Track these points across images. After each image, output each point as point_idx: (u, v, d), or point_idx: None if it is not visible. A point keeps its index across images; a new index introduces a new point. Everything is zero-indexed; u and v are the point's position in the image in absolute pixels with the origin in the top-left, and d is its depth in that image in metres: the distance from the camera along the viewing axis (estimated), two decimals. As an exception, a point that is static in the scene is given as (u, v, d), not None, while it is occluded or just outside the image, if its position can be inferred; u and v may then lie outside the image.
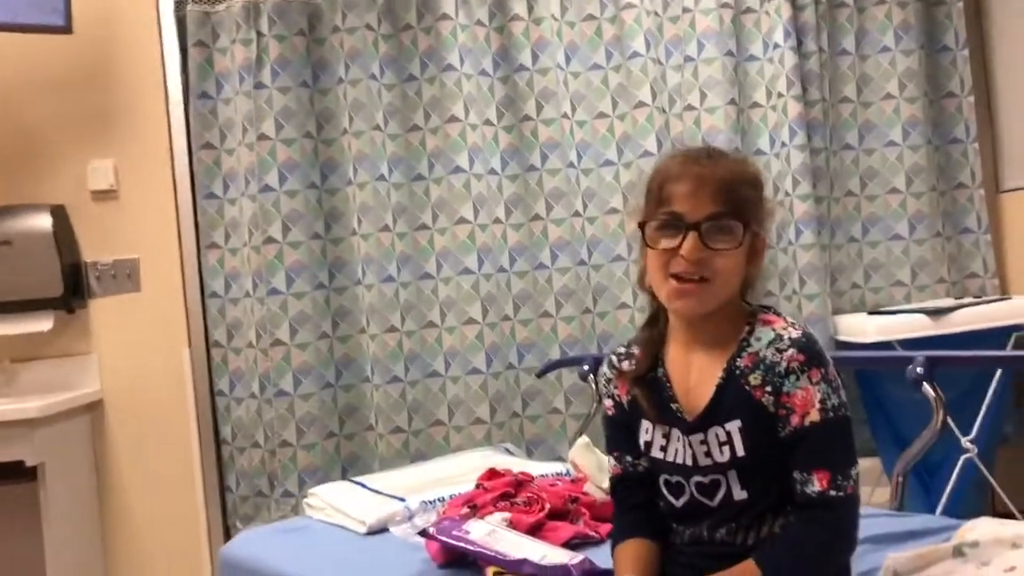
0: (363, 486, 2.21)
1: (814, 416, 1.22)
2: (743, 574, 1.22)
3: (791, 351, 1.24)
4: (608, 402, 1.43)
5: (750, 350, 1.27)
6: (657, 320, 1.38)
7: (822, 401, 1.22)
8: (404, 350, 2.85)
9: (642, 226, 1.30)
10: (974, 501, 2.80)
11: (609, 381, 1.43)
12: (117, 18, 2.86)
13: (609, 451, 1.44)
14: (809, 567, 1.22)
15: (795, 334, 1.26)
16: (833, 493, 1.21)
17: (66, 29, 2.66)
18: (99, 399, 2.86)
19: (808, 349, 1.24)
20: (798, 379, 1.23)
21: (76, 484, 2.76)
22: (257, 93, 2.79)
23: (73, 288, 2.81)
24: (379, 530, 1.98)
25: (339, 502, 2.11)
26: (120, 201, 2.88)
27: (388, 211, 2.86)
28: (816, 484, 1.21)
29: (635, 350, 1.39)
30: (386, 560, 1.82)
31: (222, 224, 2.88)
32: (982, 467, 2.68)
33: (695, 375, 1.31)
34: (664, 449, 1.32)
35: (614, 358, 1.42)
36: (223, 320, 2.87)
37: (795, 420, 1.22)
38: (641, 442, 1.36)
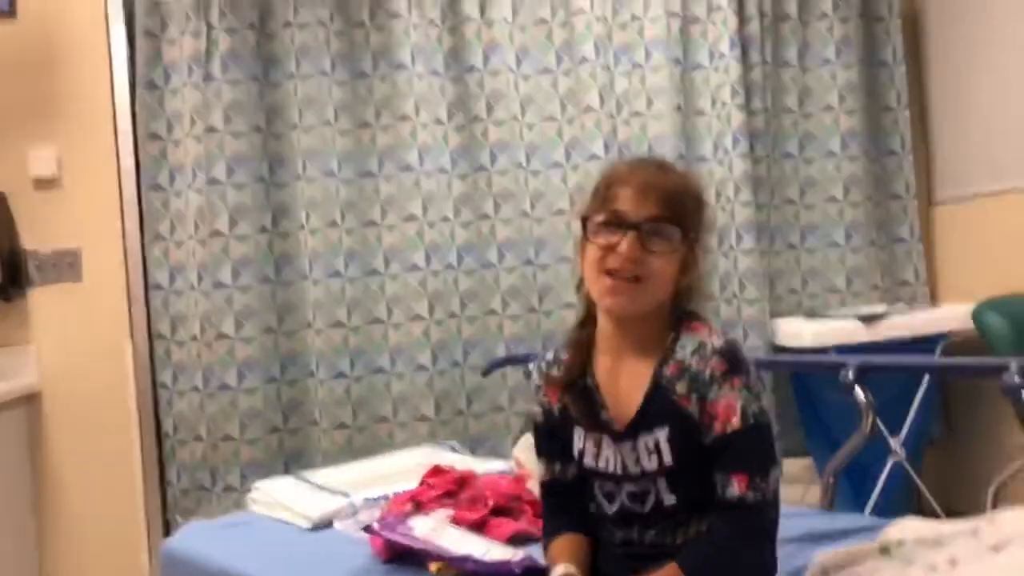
0: (307, 481, 2.22)
1: (735, 423, 1.25)
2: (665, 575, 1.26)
3: (714, 359, 1.27)
4: (537, 409, 1.45)
5: (676, 358, 1.30)
6: (585, 324, 1.40)
7: (743, 408, 1.25)
8: (350, 346, 2.86)
9: (584, 220, 1.33)
10: (901, 501, 2.91)
11: (539, 388, 1.44)
12: (63, 4, 2.81)
13: (538, 455, 1.47)
14: (729, 566, 1.26)
15: (718, 343, 1.29)
16: (751, 496, 1.24)
17: (10, 14, 2.62)
18: (37, 391, 2.81)
19: (731, 358, 1.28)
20: (720, 387, 1.26)
21: (10, 477, 2.71)
22: (206, 85, 2.77)
23: (12, 277, 2.76)
24: (323, 525, 1.99)
25: (283, 497, 2.12)
26: (63, 190, 2.84)
27: (336, 206, 2.86)
28: (735, 488, 1.25)
29: (564, 356, 1.41)
30: (330, 555, 1.84)
31: (167, 216, 2.85)
32: (910, 469, 2.79)
33: (624, 382, 1.34)
34: (596, 457, 1.35)
35: (543, 365, 1.44)
36: (167, 312, 2.84)
37: (718, 427, 1.26)
38: (575, 450, 1.38)
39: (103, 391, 2.83)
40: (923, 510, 2.80)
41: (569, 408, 1.38)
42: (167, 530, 2.78)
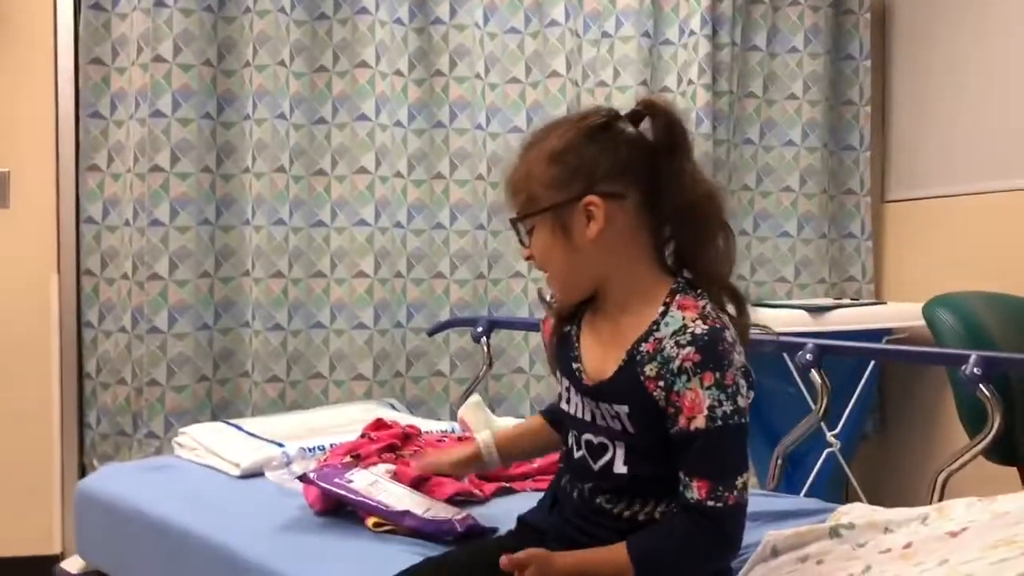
0: (239, 428, 2.13)
1: (699, 423, 1.16)
2: (612, 556, 1.20)
3: (688, 349, 1.17)
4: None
5: (656, 335, 1.21)
6: None
7: (711, 408, 1.16)
8: (289, 297, 2.75)
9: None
10: (832, 492, 2.93)
11: (544, 320, 1.43)
12: (8, -90, 2.65)
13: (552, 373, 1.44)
14: (678, 565, 1.20)
15: (700, 329, 1.18)
16: (711, 504, 1.16)
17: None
18: (-49, 319, 2.66)
19: (706, 349, 1.17)
20: (689, 380, 1.16)
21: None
22: (156, 11, 2.62)
23: (-69, 197, 2.60)
24: (253, 474, 1.91)
25: (212, 443, 2.03)
26: (-7, 108, 2.68)
27: (285, 151, 2.75)
28: (695, 492, 1.17)
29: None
30: (259, 504, 1.76)
31: (105, 146, 2.70)
32: (843, 461, 2.81)
33: (602, 348, 1.28)
34: (567, 401, 1.32)
35: (549, 297, 1.39)
36: (97, 248, 2.70)
37: (682, 422, 1.17)
38: (561, 387, 1.36)
39: (24, 325, 2.69)
40: (850, 502, 2.82)
41: (549, 351, 1.36)
42: (83, 474, 2.66)
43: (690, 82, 2.99)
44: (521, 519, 1.40)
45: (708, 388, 1.16)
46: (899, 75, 3.27)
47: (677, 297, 1.23)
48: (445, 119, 2.88)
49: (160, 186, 2.63)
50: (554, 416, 1.44)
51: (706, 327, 1.18)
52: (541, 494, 1.44)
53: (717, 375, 1.16)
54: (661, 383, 1.18)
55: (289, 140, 2.75)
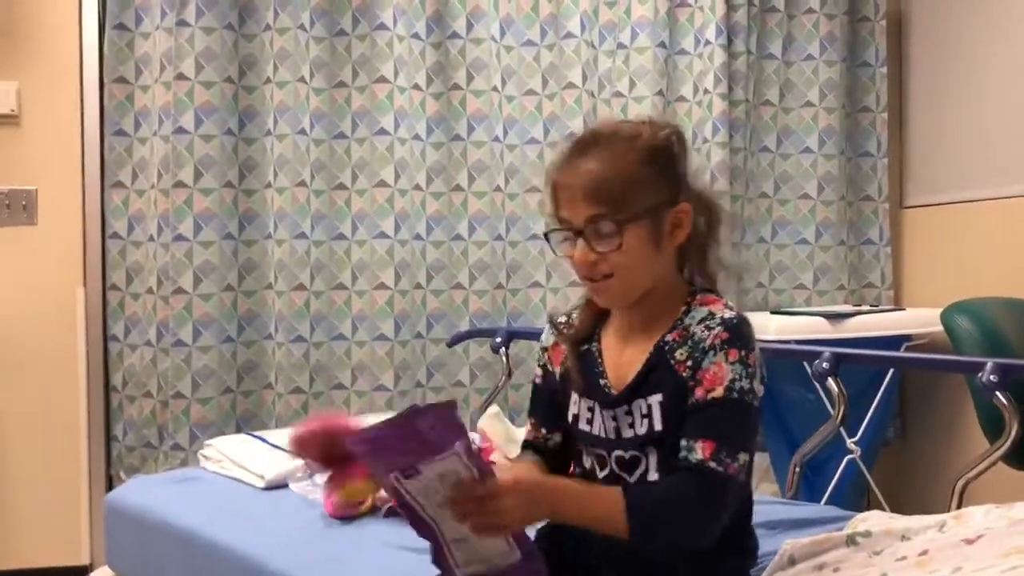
0: (263, 440, 2.16)
1: (717, 392, 1.20)
2: (607, 496, 1.21)
3: (718, 329, 1.22)
4: (538, 370, 1.43)
5: (682, 326, 1.26)
6: None
7: (731, 381, 1.20)
8: (311, 310, 2.79)
9: (547, 237, 1.30)
10: (853, 499, 2.93)
11: (545, 350, 1.42)
12: (33, -66, 2.71)
13: (529, 415, 1.45)
14: (671, 521, 1.19)
15: (728, 314, 1.24)
16: (712, 465, 1.17)
17: (-23, -61, 2.50)
18: (-18, 334, 2.71)
19: (735, 329, 1.22)
20: (715, 355, 1.21)
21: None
22: (179, 30, 2.67)
23: (-38, 215, 2.65)
24: (277, 486, 1.93)
25: (237, 455, 2.06)
26: (21, 128, 2.73)
27: (306, 166, 2.79)
28: (699, 452, 1.18)
29: (575, 319, 1.38)
30: (282, 514, 1.79)
31: (130, 163, 2.75)
32: (863, 468, 2.80)
33: (628, 353, 1.30)
34: (590, 422, 1.32)
35: (557, 323, 1.40)
36: (123, 263, 2.75)
37: (699, 393, 1.20)
38: (569, 415, 1.35)
39: (52, 339, 2.74)
40: (872, 509, 2.82)
41: (569, 371, 1.34)
42: (110, 486, 2.70)
43: (706, 91, 3.01)
44: (540, 533, 1.40)
45: (732, 363, 1.21)
46: (916, 81, 3.27)
47: (698, 296, 1.29)
48: (463, 132, 2.91)
49: (184, 202, 2.68)
50: (537, 449, 1.42)
51: (733, 313, 1.25)
52: None
53: (742, 353, 1.21)
54: (690, 363, 1.23)
55: (310, 155, 2.79)
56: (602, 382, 1.31)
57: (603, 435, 1.30)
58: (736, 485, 1.20)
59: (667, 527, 1.19)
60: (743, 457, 1.20)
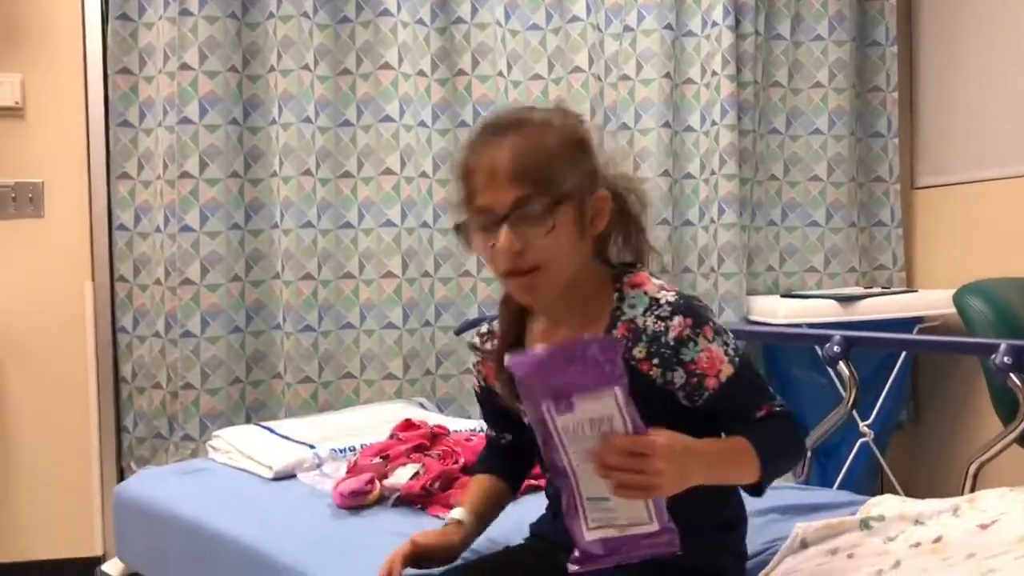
0: (271, 431, 2.15)
1: (727, 370, 1.18)
2: (740, 448, 1.17)
3: (677, 319, 1.18)
4: (476, 380, 1.40)
5: (624, 319, 1.21)
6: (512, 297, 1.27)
7: (726, 353, 1.19)
8: (319, 299, 2.78)
9: (458, 229, 1.20)
10: (866, 483, 2.91)
11: (475, 364, 1.38)
12: (34, -75, 2.69)
13: (483, 418, 1.46)
14: (784, 456, 1.24)
15: (671, 297, 1.20)
16: (778, 408, 1.22)
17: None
18: (-9, 329, 2.72)
19: (690, 310, 1.19)
20: (696, 344, 1.18)
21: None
22: (182, 20, 2.66)
23: (-31, 208, 2.65)
24: (286, 476, 1.93)
25: (245, 446, 2.05)
26: (26, 120, 2.72)
27: (312, 155, 2.77)
28: (759, 413, 1.21)
29: (495, 328, 1.32)
30: (290, 505, 1.78)
31: (135, 154, 2.75)
32: (876, 451, 2.79)
33: None
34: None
35: (477, 340, 1.36)
36: (130, 254, 2.75)
37: (711, 382, 1.18)
38: (524, 419, 1.26)
39: (61, 332, 2.74)
40: (886, 493, 2.80)
41: (501, 389, 1.29)
42: (121, 477, 2.71)
43: (714, 73, 2.97)
44: (533, 530, 1.39)
45: (712, 340, 1.19)
46: (926, 60, 3.23)
47: (624, 279, 1.24)
48: (469, 118, 2.89)
49: (190, 192, 2.67)
50: (491, 465, 1.42)
51: (673, 293, 1.21)
52: (540, 493, 1.43)
53: (711, 324, 1.20)
54: (656, 360, 1.18)
55: (315, 143, 2.78)
56: None
57: None
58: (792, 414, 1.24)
59: (783, 462, 1.24)
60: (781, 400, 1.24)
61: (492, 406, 1.38)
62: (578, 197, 1.17)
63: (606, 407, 1.01)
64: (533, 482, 1.56)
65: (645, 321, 1.19)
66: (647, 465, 1.01)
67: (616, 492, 1.02)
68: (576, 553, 1.06)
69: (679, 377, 1.19)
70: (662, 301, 1.19)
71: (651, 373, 1.19)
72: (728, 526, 1.30)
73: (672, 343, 1.18)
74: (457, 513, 1.35)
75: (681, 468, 1.05)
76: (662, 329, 1.18)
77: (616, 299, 1.22)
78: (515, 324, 1.28)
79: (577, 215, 1.17)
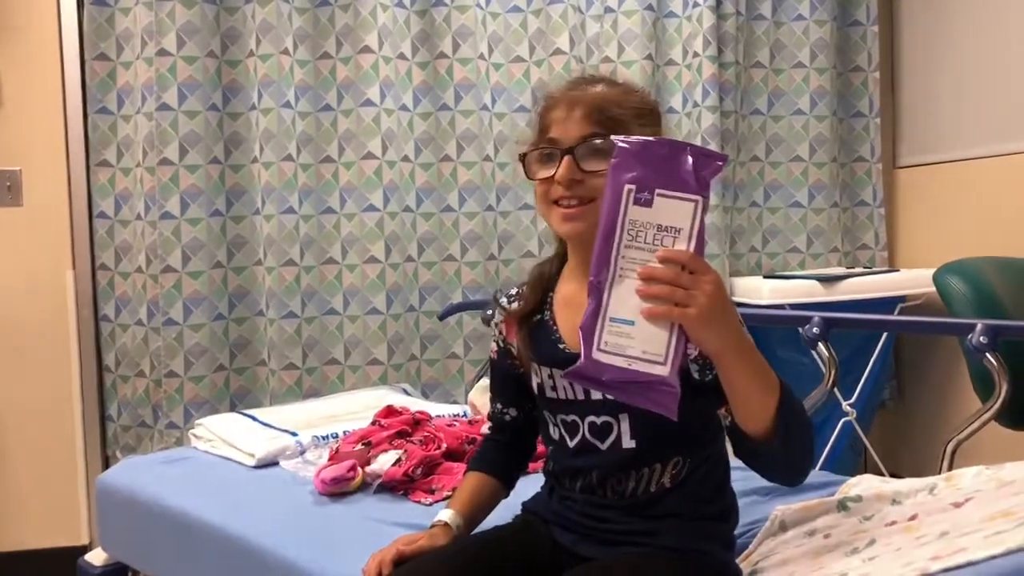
0: (253, 419, 2.15)
1: None
2: (768, 367, 1.12)
3: None
4: (493, 346, 1.43)
5: None
6: (552, 261, 1.35)
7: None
8: (301, 285, 2.77)
9: (523, 158, 1.27)
10: (849, 462, 2.93)
11: (497, 325, 1.41)
12: (8, -90, 2.66)
13: (490, 390, 1.46)
14: (802, 430, 1.15)
15: None
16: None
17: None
18: (-29, 318, 2.70)
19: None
20: None
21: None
22: (159, 5, 2.63)
23: (-54, 198, 2.63)
24: (268, 464, 1.93)
25: (228, 434, 2.05)
26: (3, 108, 2.70)
27: (292, 140, 2.76)
28: None
29: (525, 290, 1.38)
30: (272, 493, 1.78)
31: (114, 141, 2.73)
32: (859, 430, 2.80)
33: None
34: (554, 388, 1.31)
35: (504, 300, 1.40)
36: (111, 242, 2.74)
37: None
38: (534, 385, 1.34)
39: (42, 321, 2.73)
40: (869, 472, 2.82)
41: (520, 346, 1.33)
42: (106, 466, 2.71)
43: (695, 54, 2.97)
44: (525, 507, 1.41)
45: None
46: (908, 39, 3.23)
47: None
48: (450, 101, 2.88)
49: (170, 179, 2.66)
50: (486, 462, 1.43)
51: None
52: (536, 475, 1.44)
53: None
54: None
55: (296, 128, 2.76)
56: (560, 347, 1.30)
57: (571, 397, 1.28)
58: None
59: (801, 422, 1.15)
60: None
61: (505, 372, 1.40)
62: None
63: (682, 216, 0.99)
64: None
65: None
66: (697, 283, 0.99)
67: (650, 312, 0.99)
68: (577, 364, 1.03)
69: (692, 348, 1.18)
70: None
71: None
72: (722, 517, 1.31)
73: None
74: (445, 515, 1.35)
75: (723, 309, 1.02)
76: None
77: None
78: (542, 291, 1.33)
79: None
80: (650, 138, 1.02)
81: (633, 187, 1.00)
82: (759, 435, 1.12)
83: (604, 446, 1.27)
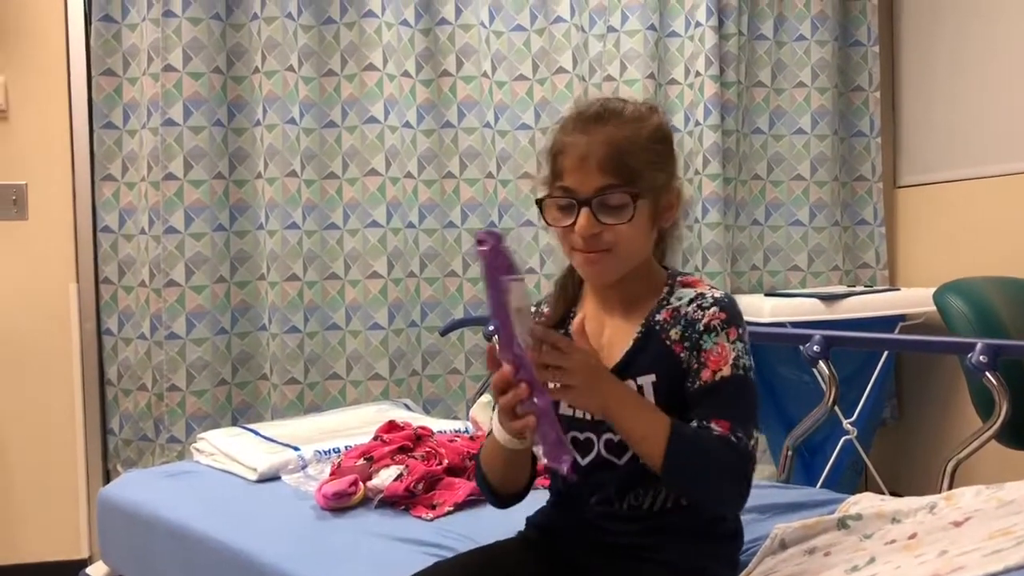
0: (255, 433, 2.16)
1: (726, 371, 1.20)
2: (657, 419, 1.17)
3: (713, 309, 1.23)
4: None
5: (669, 307, 1.27)
6: (572, 275, 1.36)
7: (736, 359, 1.21)
8: (304, 300, 2.78)
9: (540, 203, 1.27)
10: (850, 480, 2.93)
11: None
12: (16, -73, 2.69)
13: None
14: (704, 465, 1.17)
15: (717, 294, 1.26)
16: (733, 439, 1.16)
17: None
18: (-25, 331, 2.71)
19: (729, 308, 1.24)
20: (717, 336, 1.22)
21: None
22: (166, 21, 2.66)
23: (-48, 211, 2.64)
24: (270, 478, 1.94)
25: (229, 448, 2.05)
26: (9, 122, 2.72)
27: (297, 156, 2.77)
28: (716, 429, 1.17)
29: (544, 308, 1.38)
30: (274, 507, 1.79)
31: (119, 156, 2.75)
32: (860, 448, 2.80)
33: (608, 334, 1.30)
34: (570, 405, 1.30)
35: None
36: (115, 256, 2.75)
37: (705, 375, 1.21)
38: None
39: (46, 335, 2.73)
40: (869, 490, 2.82)
41: None
42: (107, 479, 2.71)
43: (697, 74, 2.99)
44: (530, 521, 1.41)
45: (733, 342, 1.22)
46: (908, 60, 3.25)
47: (679, 278, 1.31)
48: (454, 119, 2.90)
49: (174, 194, 2.67)
50: None
51: (721, 293, 1.27)
52: (539, 490, 1.43)
53: (740, 331, 1.24)
54: (687, 344, 1.23)
55: (300, 144, 2.78)
56: None
57: (588, 416, 1.28)
58: (753, 456, 1.20)
59: (699, 480, 1.18)
60: (755, 434, 1.21)
61: None
62: (657, 193, 1.25)
63: (520, 291, 1.10)
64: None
65: (686, 309, 1.25)
66: (562, 358, 1.12)
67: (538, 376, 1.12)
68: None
69: (693, 360, 1.23)
70: (707, 295, 1.26)
71: (681, 355, 1.24)
72: (730, 537, 1.32)
73: (700, 329, 1.23)
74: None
75: (595, 374, 1.16)
76: (698, 317, 1.24)
77: (666, 292, 1.29)
78: (565, 306, 1.36)
79: (652, 210, 1.26)
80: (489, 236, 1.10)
81: (508, 277, 1.10)
82: (659, 471, 1.17)
83: (622, 461, 1.27)
